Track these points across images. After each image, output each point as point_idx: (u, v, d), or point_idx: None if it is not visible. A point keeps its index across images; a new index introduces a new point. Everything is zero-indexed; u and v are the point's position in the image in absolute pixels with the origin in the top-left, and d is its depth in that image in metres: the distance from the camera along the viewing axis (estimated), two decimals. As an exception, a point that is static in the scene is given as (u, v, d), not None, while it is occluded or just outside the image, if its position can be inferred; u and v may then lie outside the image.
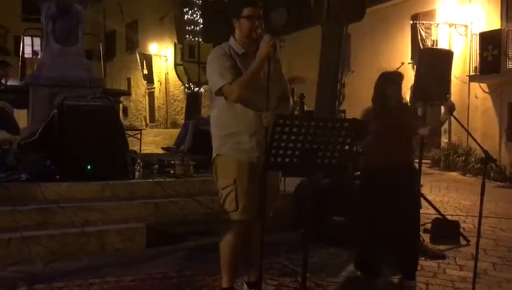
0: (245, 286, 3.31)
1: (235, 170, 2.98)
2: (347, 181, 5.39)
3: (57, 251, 4.16)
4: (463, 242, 5.25)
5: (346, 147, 2.63)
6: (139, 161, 5.53)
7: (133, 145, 7.77)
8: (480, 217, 3.29)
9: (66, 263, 4.03)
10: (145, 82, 23.19)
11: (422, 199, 6.10)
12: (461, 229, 5.51)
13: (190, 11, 15.86)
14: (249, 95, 2.92)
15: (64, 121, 5.27)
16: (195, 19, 15.82)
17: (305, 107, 13.42)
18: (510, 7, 13.55)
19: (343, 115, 15.01)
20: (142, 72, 21.49)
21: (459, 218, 6.47)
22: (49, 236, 4.22)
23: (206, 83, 14.42)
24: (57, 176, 5.02)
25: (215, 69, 2.97)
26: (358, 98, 16.58)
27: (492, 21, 13.72)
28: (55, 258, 4.07)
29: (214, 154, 3.11)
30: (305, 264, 2.63)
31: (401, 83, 3.87)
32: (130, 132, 8.43)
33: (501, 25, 13.34)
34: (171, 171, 5.89)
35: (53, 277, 3.69)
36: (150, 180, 5.40)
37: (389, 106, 3.82)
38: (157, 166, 6.06)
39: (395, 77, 3.91)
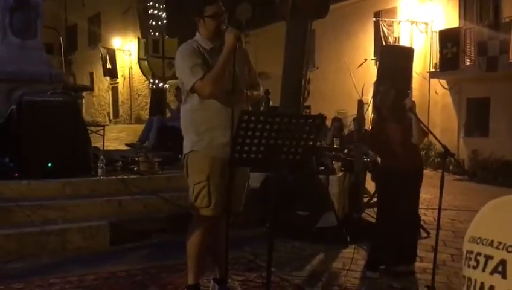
0: (212, 282, 3.30)
1: (208, 165, 2.97)
2: (311, 176, 5.46)
3: (14, 251, 4.03)
4: (424, 234, 5.40)
5: (310, 143, 2.65)
6: (101, 157, 5.42)
7: (96, 141, 7.61)
8: (439, 209, 3.39)
9: (25, 263, 3.92)
10: (107, 77, 22.71)
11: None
12: (422, 222, 5.66)
13: (154, 6, 15.63)
14: (219, 89, 2.92)
15: (23, 117, 5.11)
16: (159, 13, 15.60)
17: (271, 103, 13.49)
18: (468, 7, 13.98)
19: (308, 110, 15.16)
20: (106, 66, 20.98)
21: (420, 211, 6.63)
22: (6, 236, 4.09)
23: (171, 78, 14.28)
24: (16, 174, 4.86)
25: (186, 67, 2.95)
26: (322, 94, 16.83)
27: (451, 19, 14.12)
28: (14, 259, 3.94)
29: (187, 150, 3.07)
30: (270, 259, 2.64)
31: (390, 93, 4.07)
32: (92, 128, 8.26)
33: (459, 23, 13.75)
34: (135, 168, 5.80)
35: (11, 278, 3.58)
36: (113, 177, 5.30)
37: (384, 116, 4.08)
38: (120, 163, 5.96)
39: (381, 87, 4.26)
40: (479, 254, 0.89)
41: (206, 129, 2.99)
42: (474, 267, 0.89)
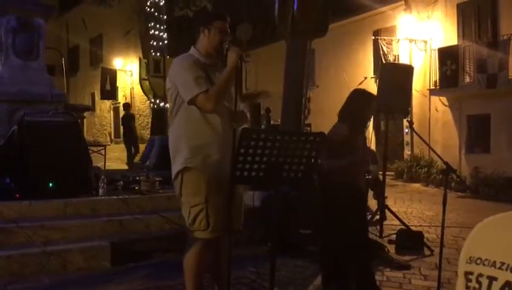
0: (213, 302, 3.26)
1: (206, 187, 2.89)
2: (313, 194, 5.43)
3: (16, 272, 4.00)
4: (427, 252, 5.35)
5: (312, 161, 2.65)
6: (102, 177, 5.42)
7: (98, 161, 7.63)
8: (442, 227, 3.37)
9: (26, 284, 3.88)
10: (105, 99, 22.32)
11: (387, 210, 6.22)
12: (425, 240, 5.62)
13: (155, 26, 15.79)
14: (220, 106, 2.91)
15: (25, 137, 5.12)
16: (161, 34, 15.76)
17: (271, 121, 13.53)
18: (466, 24, 14.10)
19: (308, 128, 15.20)
20: (105, 88, 20.76)
21: (423, 228, 6.61)
22: (7, 257, 4.06)
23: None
24: (17, 195, 4.85)
25: (189, 76, 2.86)
26: (323, 112, 16.86)
27: (450, 37, 14.23)
28: (15, 280, 3.91)
29: (179, 167, 2.95)
30: (273, 278, 2.61)
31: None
32: (94, 148, 8.28)
33: (458, 41, 13.84)
34: (136, 188, 5.79)
35: (12, 300, 3.55)
36: (114, 197, 5.29)
37: (362, 128, 3.74)
38: (121, 182, 5.95)
39: (373, 100, 3.82)
40: (480, 275, 0.86)
41: (199, 145, 2.91)
42: None
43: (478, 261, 0.88)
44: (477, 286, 0.87)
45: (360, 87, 4.10)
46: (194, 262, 2.97)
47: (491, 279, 0.85)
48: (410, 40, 15.13)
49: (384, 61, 14.33)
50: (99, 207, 5.11)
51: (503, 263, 0.84)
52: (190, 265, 2.98)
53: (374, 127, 7.45)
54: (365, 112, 3.72)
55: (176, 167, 2.99)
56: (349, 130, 3.66)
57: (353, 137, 3.66)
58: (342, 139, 3.58)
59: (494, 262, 0.85)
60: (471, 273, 0.89)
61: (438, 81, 13.97)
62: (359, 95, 3.85)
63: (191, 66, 2.91)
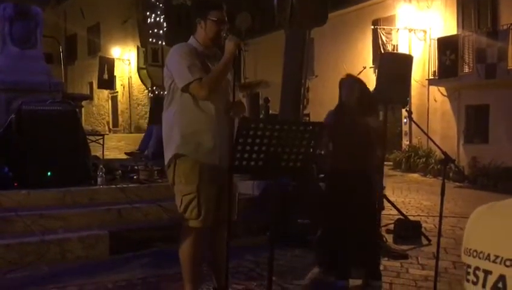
0: (212, 291, 3.27)
1: (198, 175, 2.91)
2: (312, 184, 5.44)
3: (15, 261, 4.00)
4: (425, 242, 5.38)
5: (311, 150, 2.64)
6: (101, 166, 5.42)
7: (96, 150, 7.63)
8: (440, 217, 3.38)
9: (25, 273, 3.89)
10: (102, 88, 22.11)
11: (385, 200, 6.24)
12: (423, 229, 5.64)
13: (153, 15, 15.70)
14: (213, 94, 2.90)
15: (23, 126, 5.11)
16: (159, 22, 15.67)
17: (270, 111, 13.52)
18: (466, 14, 14.05)
19: (307, 118, 15.19)
20: (102, 77, 20.56)
21: (421, 218, 6.63)
22: (6, 246, 4.06)
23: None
24: (16, 183, 4.85)
25: (184, 63, 2.87)
26: (322, 102, 16.82)
27: (449, 27, 14.18)
28: (13, 269, 3.92)
29: (171, 154, 2.96)
30: (271, 268, 2.62)
31: (354, 87, 3.83)
32: (92, 137, 8.26)
33: (457, 31, 13.80)
34: (135, 177, 5.79)
35: (12, 288, 3.56)
36: (113, 186, 5.29)
37: (348, 112, 3.79)
38: (120, 172, 5.95)
39: (346, 81, 3.92)
40: (477, 268, 0.87)
41: (192, 132, 2.92)
42: (474, 283, 0.87)
43: (474, 254, 0.89)
44: (474, 279, 0.88)
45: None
46: (188, 251, 2.99)
47: (486, 273, 0.86)
48: (410, 30, 15.07)
49: (383, 51, 14.29)
50: (98, 196, 5.12)
51: (497, 256, 0.84)
52: (185, 255, 3.00)
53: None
54: (342, 93, 3.88)
55: (168, 155, 3.00)
56: (335, 114, 3.84)
57: (342, 123, 3.75)
58: (327, 122, 3.75)
59: (489, 255, 0.86)
60: (470, 266, 0.90)
61: (436, 71, 13.95)
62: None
63: (187, 54, 2.92)
